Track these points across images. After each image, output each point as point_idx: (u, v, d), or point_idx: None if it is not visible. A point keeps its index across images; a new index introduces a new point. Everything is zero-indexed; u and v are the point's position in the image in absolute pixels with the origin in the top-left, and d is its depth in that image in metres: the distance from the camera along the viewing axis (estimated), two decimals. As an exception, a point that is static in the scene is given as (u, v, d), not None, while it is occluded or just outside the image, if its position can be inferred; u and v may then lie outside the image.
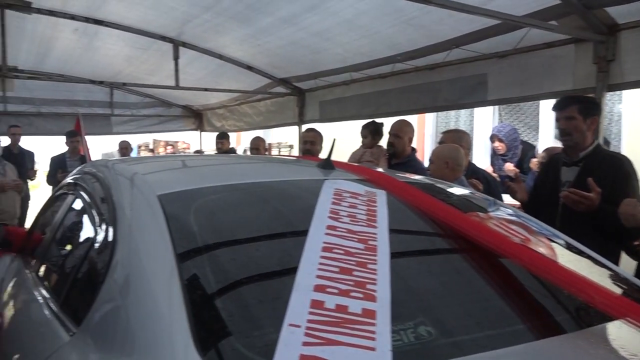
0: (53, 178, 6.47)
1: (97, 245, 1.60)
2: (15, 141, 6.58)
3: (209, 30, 5.01)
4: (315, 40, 4.67)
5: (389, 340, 1.04)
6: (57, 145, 7.54)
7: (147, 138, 14.37)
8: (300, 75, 5.97)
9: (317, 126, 5.37)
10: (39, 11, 4.81)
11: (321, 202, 1.62)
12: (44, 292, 1.85)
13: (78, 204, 2.16)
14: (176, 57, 5.64)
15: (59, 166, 6.50)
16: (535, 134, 6.45)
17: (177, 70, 5.75)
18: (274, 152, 9.82)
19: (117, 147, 8.36)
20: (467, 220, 1.61)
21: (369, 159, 4.66)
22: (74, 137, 6.69)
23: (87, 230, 1.89)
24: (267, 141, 8.44)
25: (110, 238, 1.48)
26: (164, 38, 5.51)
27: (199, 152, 9.22)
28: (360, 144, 4.86)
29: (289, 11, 4.11)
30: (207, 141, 9.72)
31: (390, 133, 4.07)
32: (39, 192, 7.91)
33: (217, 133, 7.14)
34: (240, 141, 11.29)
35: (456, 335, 1.16)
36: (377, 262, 1.35)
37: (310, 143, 4.66)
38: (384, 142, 4.57)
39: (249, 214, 1.53)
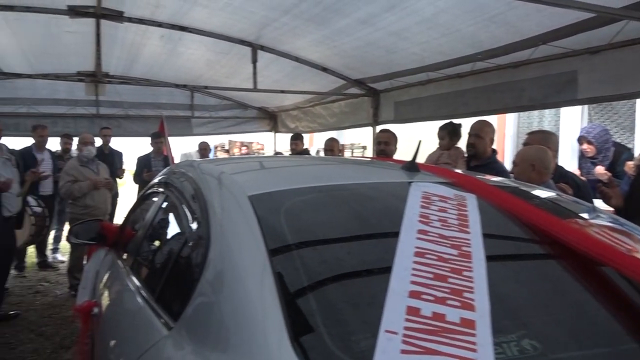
0: (139, 177, 6.86)
1: (190, 243, 1.66)
2: (106, 142, 7.01)
3: (287, 34, 5.10)
4: (392, 40, 4.61)
5: (491, 353, 1.00)
6: (142, 145, 8.01)
7: (223, 139, 14.89)
8: (375, 76, 5.93)
9: (391, 127, 5.32)
10: (130, 20, 5.12)
11: (410, 206, 1.58)
12: (139, 285, 1.94)
13: (169, 203, 2.26)
14: (254, 61, 5.79)
15: (144, 166, 6.88)
16: (629, 136, 6.00)
17: (255, 73, 5.90)
18: (347, 153, 9.84)
19: (194, 148, 8.72)
20: (568, 228, 1.51)
21: (446, 160, 4.53)
22: (158, 138, 7.04)
23: (179, 228, 1.97)
24: (340, 142, 8.46)
25: (202, 237, 1.53)
26: (243, 42, 5.68)
27: (279, 153, 9.40)
28: (437, 145, 4.74)
29: (367, 12, 4.09)
30: (280, 142, 9.92)
31: (470, 133, 3.93)
32: (125, 190, 8.41)
33: (291, 134, 7.26)
34: (313, 142, 11.41)
35: (564, 351, 1.09)
36: (473, 270, 1.30)
37: (385, 144, 4.61)
38: (461, 144, 4.44)
39: (338, 216, 1.53)
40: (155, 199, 2.56)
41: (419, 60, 4.95)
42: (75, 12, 4.83)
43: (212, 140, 13.59)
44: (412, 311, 1.11)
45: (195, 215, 1.71)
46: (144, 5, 4.79)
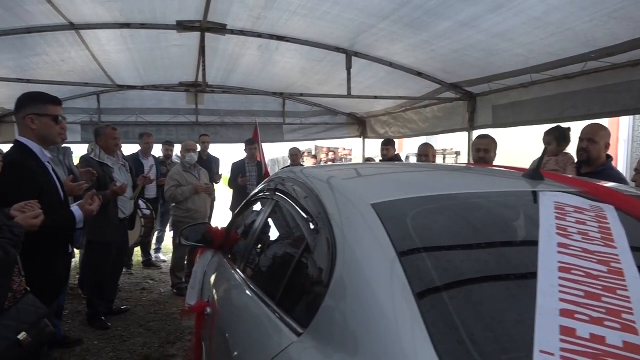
0: (234, 182, 7.12)
1: (312, 250, 1.67)
2: (204, 149, 7.36)
3: (382, 39, 5.07)
4: (495, 42, 4.43)
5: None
6: (236, 152, 8.33)
7: (310, 145, 15.16)
8: (473, 79, 5.74)
9: (489, 132, 5.10)
10: (232, 32, 5.36)
11: (544, 217, 1.49)
12: (256, 290, 1.99)
13: (281, 209, 2.30)
14: (349, 67, 5.82)
15: (239, 171, 7.13)
16: None
17: (349, 80, 5.93)
18: (439, 159, 9.60)
19: (282, 154, 8.91)
20: None
21: (553, 167, 4.26)
22: (252, 144, 7.27)
23: (296, 235, 2.00)
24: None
25: (326, 244, 1.54)
26: (338, 49, 5.73)
27: (370, 159, 9.39)
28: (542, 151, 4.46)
29: (470, 14, 3.96)
30: (369, 148, 9.90)
31: (582, 138, 3.66)
32: (219, 194, 8.74)
33: (381, 140, 7.20)
34: (403, 148, 11.26)
35: None
36: (629, 289, 1.19)
37: (484, 151, 4.37)
38: (570, 149, 4.16)
39: (469, 226, 1.47)
40: (263, 205, 2.62)
41: (523, 61, 4.72)
42: (183, 26, 5.13)
43: (300, 146, 13.91)
44: (567, 331, 1.04)
45: (315, 222, 1.72)
46: (246, 17, 4.99)
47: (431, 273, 1.24)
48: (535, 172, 1.86)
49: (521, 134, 5.51)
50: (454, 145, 9.40)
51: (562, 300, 1.13)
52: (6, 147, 3.06)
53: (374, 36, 5.03)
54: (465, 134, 6.56)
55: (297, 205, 2.04)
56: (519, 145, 8.30)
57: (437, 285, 1.20)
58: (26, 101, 2.67)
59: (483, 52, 4.75)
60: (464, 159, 7.77)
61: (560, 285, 1.18)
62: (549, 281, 1.20)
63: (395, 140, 7.45)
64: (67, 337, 4.33)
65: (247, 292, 2.08)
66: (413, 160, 10.29)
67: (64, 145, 4.47)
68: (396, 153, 6.97)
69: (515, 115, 5.63)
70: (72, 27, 4.96)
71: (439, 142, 10.09)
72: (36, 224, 2.17)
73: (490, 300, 1.19)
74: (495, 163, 4.31)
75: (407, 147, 11.93)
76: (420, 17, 4.22)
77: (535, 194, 1.69)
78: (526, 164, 4.17)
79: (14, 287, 2.06)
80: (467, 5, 3.85)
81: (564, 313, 1.09)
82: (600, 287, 1.19)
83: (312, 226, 1.75)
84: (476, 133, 5.89)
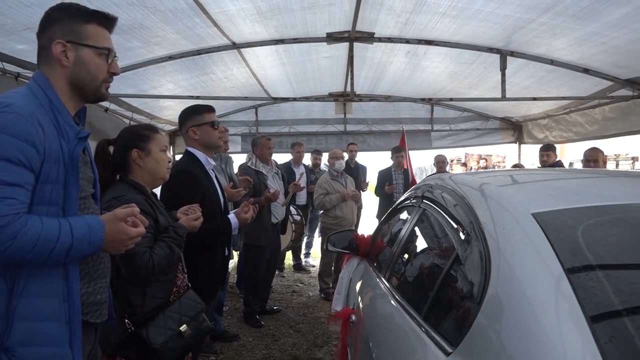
0: (381, 190, 7.10)
1: (463, 262, 1.55)
2: (352, 157, 7.45)
3: (543, 34, 4.63)
4: (686, 27, 3.76)
5: None
6: (382, 159, 8.31)
7: (459, 152, 14.56)
8: (655, 72, 4.96)
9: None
10: (380, 40, 5.36)
11: None
12: (402, 301, 1.91)
13: (428, 217, 2.19)
14: (503, 68, 5.43)
15: (385, 179, 7.08)
16: None
17: (503, 81, 5.54)
18: (610, 165, 8.50)
19: (429, 162, 8.63)
20: None
21: None
22: (399, 152, 7.19)
23: (445, 246, 1.88)
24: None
25: (477, 256, 1.40)
26: (491, 50, 5.39)
27: (518, 166, 8.72)
28: None
29: (654, -5, 3.42)
30: (525, 154, 9.16)
31: None
32: (366, 202, 8.80)
33: (540, 145, 6.57)
34: (565, 154, 10.22)
35: None
36: None
37: None
38: None
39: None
40: (410, 213, 2.53)
41: None
42: (332, 38, 5.28)
43: (448, 153, 13.45)
44: None
45: (465, 232, 1.60)
46: (393, 24, 4.95)
47: (609, 295, 1.05)
48: None
49: None
50: (629, 150, 8.22)
51: None
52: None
53: (532, 32, 4.62)
54: (642, 137, 5.70)
55: (445, 214, 1.92)
56: None
57: (617, 309, 1.01)
58: (185, 116, 2.93)
59: (669, 39, 4.07)
60: (642, 165, 6.75)
61: None
62: None
63: (556, 145, 6.77)
64: (227, 332, 4.68)
65: (392, 302, 2.02)
66: (578, 167, 9.26)
67: (227, 154, 4.88)
68: (558, 159, 6.31)
69: None
70: (234, 46, 5.41)
71: (610, 146, 8.92)
72: (196, 226, 2.36)
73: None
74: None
75: (571, 153, 10.77)
76: (588, 5, 3.75)
77: None
78: None
79: (177, 282, 2.26)
80: (650, -14, 3.33)
81: None
82: None
83: (462, 236, 1.63)
84: (660, 135, 5.08)
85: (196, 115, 2.90)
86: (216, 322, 4.23)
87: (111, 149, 2.25)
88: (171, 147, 8.23)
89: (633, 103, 5.75)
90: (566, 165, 8.78)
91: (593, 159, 4.99)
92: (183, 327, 2.13)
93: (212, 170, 3.02)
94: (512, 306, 1.18)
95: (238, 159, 6.36)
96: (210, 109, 2.94)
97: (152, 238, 2.12)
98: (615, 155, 8.52)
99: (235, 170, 5.20)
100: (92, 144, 2.16)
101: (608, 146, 8.96)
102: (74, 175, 1.49)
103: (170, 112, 7.16)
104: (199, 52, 5.36)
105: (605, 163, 5.29)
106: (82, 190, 1.56)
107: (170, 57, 5.30)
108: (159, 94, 6.21)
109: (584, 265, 1.13)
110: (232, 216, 2.87)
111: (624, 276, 1.13)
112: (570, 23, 4.20)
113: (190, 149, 2.92)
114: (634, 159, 7.99)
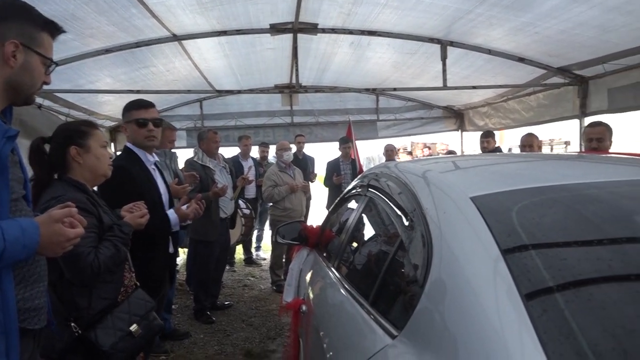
0: (329, 181, 7.17)
1: (405, 248, 1.58)
2: (300, 148, 7.49)
3: (480, 25, 4.79)
4: (610, 17, 3.99)
5: None
6: (331, 150, 8.37)
7: (405, 141, 14.85)
8: (584, 61, 5.23)
9: (603, 118, 4.60)
10: (324, 31, 5.37)
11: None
12: (349, 289, 1.93)
13: (374, 205, 2.23)
14: (444, 58, 5.58)
15: (334, 170, 7.15)
16: None
17: (444, 71, 5.69)
18: (545, 150, 8.93)
19: (376, 152, 8.77)
20: None
21: (686, 154, 3.73)
22: (346, 143, 7.27)
23: (390, 232, 1.92)
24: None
25: (421, 242, 1.44)
26: (431, 40, 5.52)
27: (451, 153, 9.02)
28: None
29: (583, -13, 3.60)
30: (467, 141, 9.47)
31: None
32: (314, 193, 8.85)
33: (481, 132, 6.82)
34: (503, 140, 10.64)
35: None
36: None
37: (597, 140, 3.85)
38: None
39: (585, 221, 1.29)
40: (357, 202, 2.56)
41: (646, 36, 4.20)
42: (276, 29, 5.24)
43: (395, 143, 13.70)
44: None
45: (409, 218, 1.63)
46: (336, 15, 4.97)
47: (542, 273, 1.10)
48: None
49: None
50: (562, 135, 8.67)
51: None
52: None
53: (470, 22, 4.76)
54: (575, 122, 6.02)
55: (390, 201, 1.96)
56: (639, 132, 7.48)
57: (550, 286, 1.06)
58: (122, 111, 2.86)
59: (596, 29, 4.30)
60: (574, 149, 7.14)
61: None
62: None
63: (495, 132, 7.04)
64: (177, 330, 4.59)
65: (341, 290, 2.04)
66: (516, 152, 9.68)
67: (171, 150, 4.76)
68: (497, 145, 6.58)
69: (636, 98, 5.03)
70: (175, 38, 5.27)
71: (545, 132, 9.38)
72: (143, 223, 2.30)
73: (616, 305, 1.02)
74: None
75: (509, 139, 11.24)
76: (522, -5, 3.92)
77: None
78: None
79: (125, 281, 2.20)
80: (577, -22, 3.51)
81: None
82: None
83: (406, 222, 1.66)
84: (588, 120, 5.37)
85: (126, 112, 2.83)
86: (165, 321, 4.15)
87: (47, 147, 2.15)
88: (112, 144, 7.93)
89: (564, 90, 6.06)
90: (505, 150, 9.15)
91: (529, 144, 5.22)
92: (133, 327, 2.07)
93: (156, 166, 2.95)
94: (453, 287, 1.22)
95: (184, 154, 6.23)
96: (139, 106, 2.82)
97: (96, 237, 2.06)
98: (549, 140, 8.96)
99: (181, 165, 5.09)
100: (26, 143, 2.05)
101: (543, 132, 9.42)
102: (3, 176, 1.41)
103: (109, 107, 6.89)
104: (137, 45, 5.18)
105: (540, 148, 5.55)
106: (13, 192, 1.47)
107: (108, 50, 5.10)
108: (97, 89, 5.97)
109: (518, 245, 1.18)
110: (170, 212, 2.80)
111: (555, 253, 1.19)
112: (505, 14, 4.36)
113: (129, 145, 2.84)
114: (567, 143, 8.45)
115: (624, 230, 1.27)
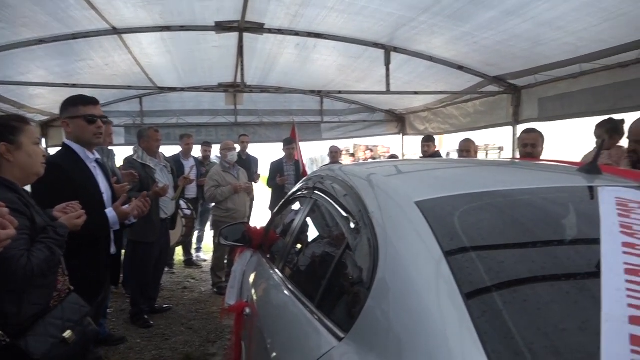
0: (273, 181, 7.13)
1: (352, 250, 1.60)
2: (243, 148, 7.41)
3: (422, 33, 4.95)
4: (542, 31, 4.23)
5: None
6: (274, 151, 8.35)
7: (348, 143, 15.06)
8: (517, 71, 5.53)
9: (535, 126, 4.88)
10: (270, 31, 5.35)
11: (605, 214, 1.37)
12: (295, 291, 1.94)
13: (319, 208, 2.24)
14: (387, 63, 5.71)
15: (277, 171, 7.13)
16: None
17: (388, 76, 5.82)
18: (481, 155, 9.33)
19: (320, 153, 8.85)
20: None
21: (606, 161, 4.03)
22: (290, 144, 7.25)
23: (334, 234, 1.94)
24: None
25: (367, 245, 1.47)
26: (376, 45, 5.63)
27: (393, 156, 9.25)
28: (595, 145, 4.25)
29: (517, 1, 3.80)
30: (408, 145, 9.74)
31: (630, 139, 3.34)
32: (257, 194, 8.80)
33: (422, 136, 7.04)
34: (443, 144, 11.02)
35: None
36: None
37: (532, 146, 4.11)
38: (624, 142, 3.92)
39: (521, 225, 1.36)
40: (302, 204, 2.57)
41: (572, 50, 4.49)
42: (221, 27, 5.16)
43: (338, 145, 13.85)
44: (638, 341, 0.94)
45: (355, 221, 1.66)
46: (283, 16, 4.97)
47: (481, 274, 1.15)
48: (592, 166, 1.73)
49: (569, 128, 5.26)
50: (496, 141, 9.11)
51: (630, 305, 1.02)
52: (55, 151, 3.11)
53: (413, 30, 4.91)
54: (509, 129, 6.34)
55: (336, 204, 1.98)
56: (567, 140, 7.98)
57: (489, 287, 1.11)
58: (62, 106, 2.73)
59: (529, 42, 4.56)
60: (507, 154, 7.51)
61: (628, 289, 1.07)
62: (614, 284, 1.09)
63: (435, 136, 7.28)
64: (112, 335, 4.42)
65: (286, 292, 2.04)
66: (454, 156, 10.04)
67: (108, 148, 4.57)
68: (437, 150, 6.81)
69: (563, 108, 5.38)
70: (115, 31, 5.07)
71: (481, 137, 9.80)
72: (79, 224, 2.20)
73: (549, 305, 1.08)
74: (542, 158, 4.11)
75: (448, 144, 11.65)
76: (463, 7, 4.07)
77: (593, 189, 1.57)
78: (576, 159, 3.97)
79: (58, 286, 2.09)
80: (514, -8, 3.70)
81: (634, 320, 0.98)
82: (674, 292, 1.07)
83: (352, 225, 1.69)
84: (521, 127, 5.67)
85: (71, 107, 2.70)
86: (100, 326, 3.98)
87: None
88: (44, 140, 7.52)
89: (499, 98, 6.37)
90: (444, 154, 9.48)
91: (466, 149, 5.45)
92: (67, 333, 1.97)
93: (98, 163, 2.83)
94: (398, 289, 1.25)
95: (122, 152, 6.01)
96: (88, 102, 2.74)
97: (28, 240, 1.93)
98: (485, 145, 9.38)
99: (119, 163, 4.90)
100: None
101: (479, 137, 9.83)
102: None
103: (41, 101, 6.53)
104: (74, 37, 4.94)
105: (476, 153, 5.81)
106: None
107: (41, 41, 4.83)
108: (28, 81, 5.63)
109: (460, 248, 1.23)
110: (109, 210, 2.69)
111: (493, 256, 1.25)
112: (446, 23, 4.53)
113: (67, 142, 2.71)
114: (501, 148, 8.88)
115: (554, 234, 1.35)
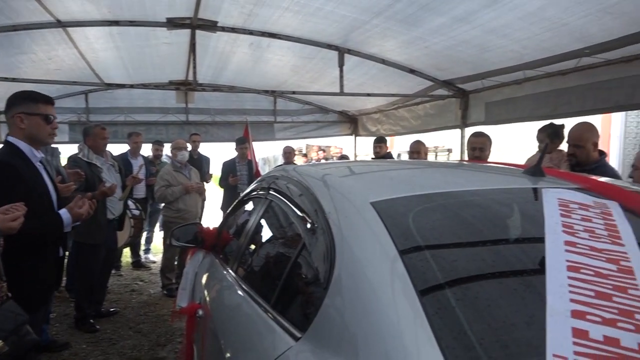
0: (225, 181, 7.04)
1: (308, 251, 1.61)
2: (195, 148, 7.27)
3: (375, 36, 5.03)
4: (489, 38, 4.40)
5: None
6: (227, 151, 8.24)
7: (301, 143, 15.08)
8: (466, 76, 5.71)
9: (481, 129, 5.07)
10: (223, 29, 5.28)
11: (549, 214, 1.44)
12: (251, 292, 1.93)
13: (274, 208, 2.24)
14: (341, 64, 5.77)
15: (229, 170, 7.04)
16: None
17: (341, 77, 5.88)
18: (431, 156, 9.58)
19: (272, 153, 8.83)
20: None
21: (547, 164, 4.24)
22: (243, 143, 7.19)
23: (290, 235, 1.94)
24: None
25: (323, 245, 1.48)
26: (330, 46, 5.67)
27: (344, 157, 9.37)
28: (537, 148, 4.45)
29: (466, 9, 3.93)
30: (360, 146, 9.86)
31: (569, 143, 3.56)
32: (209, 194, 8.68)
33: (374, 138, 7.15)
34: (394, 146, 11.23)
35: None
36: (640, 288, 1.15)
37: (480, 149, 4.25)
38: (564, 145, 4.13)
39: (472, 224, 1.42)
40: (256, 204, 2.56)
41: (517, 57, 4.70)
42: (173, 24, 5.05)
43: (291, 145, 13.85)
44: (579, 334, 1.00)
45: (311, 222, 1.67)
46: (237, 14, 4.91)
47: (435, 273, 1.18)
48: (536, 169, 1.82)
49: (514, 131, 5.48)
50: (445, 143, 9.38)
51: (572, 300, 1.09)
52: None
53: (366, 32, 4.98)
54: (457, 131, 6.54)
55: (292, 204, 1.98)
56: (512, 143, 8.33)
57: (442, 285, 1.15)
58: (16, 100, 2.58)
59: (477, 48, 4.72)
60: (455, 156, 7.75)
61: (570, 285, 1.14)
62: (558, 281, 1.15)
63: (387, 138, 7.42)
64: (55, 341, 4.23)
65: (240, 293, 2.02)
66: (405, 157, 10.27)
67: (52, 146, 4.37)
68: (388, 151, 6.93)
69: (508, 112, 5.61)
70: (60, 24, 4.86)
71: (430, 139, 10.06)
72: (14, 227, 2.07)
73: (498, 302, 1.13)
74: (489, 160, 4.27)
75: (399, 145, 11.90)
76: (414, 12, 4.17)
77: (537, 191, 1.65)
78: (520, 161, 4.15)
79: (-6, 292, 1.98)
80: (463, 0, 3.81)
81: (576, 314, 1.04)
82: (610, 287, 1.15)
83: (308, 225, 1.70)
84: (468, 130, 5.87)
85: (30, 103, 2.57)
86: (42, 332, 3.80)
87: None
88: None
89: (448, 102, 6.56)
90: (395, 156, 9.67)
91: (416, 150, 5.57)
92: (-2, 344, 1.86)
93: (41, 162, 2.71)
94: (354, 288, 1.27)
95: (66, 150, 5.77)
96: (48, 101, 2.65)
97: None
98: (434, 147, 9.63)
99: (64, 162, 4.70)
100: None
101: (429, 139, 10.09)
102: None
103: (-23, 94, 6.16)
104: (15, 28, 4.70)
105: (426, 154, 5.95)
106: None
107: (-23, 31, 4.57)
108: (-37, 74, 5.32)
109: (414, 247, 1.27)
110: (63, 211, 2.58)
111: (446, 255, 1.30)
112: (398, 27, 4.62)
113: (12, 139, 2.57)
114: (449, 150, 9.15)
115: (502, 234, 1.42)
